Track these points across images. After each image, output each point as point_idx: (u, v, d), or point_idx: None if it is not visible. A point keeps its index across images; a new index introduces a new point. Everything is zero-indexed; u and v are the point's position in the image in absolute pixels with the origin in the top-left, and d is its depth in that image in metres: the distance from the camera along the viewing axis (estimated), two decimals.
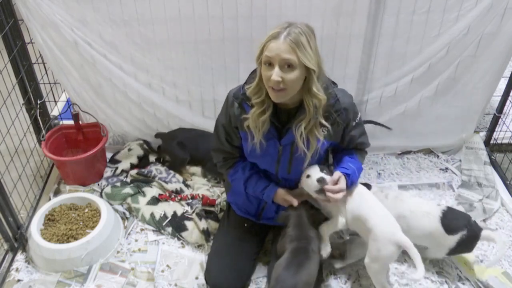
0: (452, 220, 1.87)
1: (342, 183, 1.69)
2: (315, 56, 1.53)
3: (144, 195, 2.32)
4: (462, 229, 1.85)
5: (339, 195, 1.67)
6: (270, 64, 1.52)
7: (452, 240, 1.86)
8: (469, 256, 2.03)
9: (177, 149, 2.45)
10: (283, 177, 1.84)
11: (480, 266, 2.01)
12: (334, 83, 1.75)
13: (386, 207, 1.82)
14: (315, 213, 1.84)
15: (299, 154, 1.70)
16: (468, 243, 1.87)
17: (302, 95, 1.61)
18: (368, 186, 1.99)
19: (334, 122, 1.69)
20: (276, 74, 1.49)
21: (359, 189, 1.81)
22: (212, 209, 2.25)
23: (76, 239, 2.04)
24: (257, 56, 1.56)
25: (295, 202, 1.78)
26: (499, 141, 2.68)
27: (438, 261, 2.02)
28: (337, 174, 1.71)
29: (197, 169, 2.52)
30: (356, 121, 1.77)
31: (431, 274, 1.97)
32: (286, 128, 1.69)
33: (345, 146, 1.83)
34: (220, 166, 1.91)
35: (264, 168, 1.85)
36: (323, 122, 1.65)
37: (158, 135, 2.59)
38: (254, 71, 1.69)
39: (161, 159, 2.60)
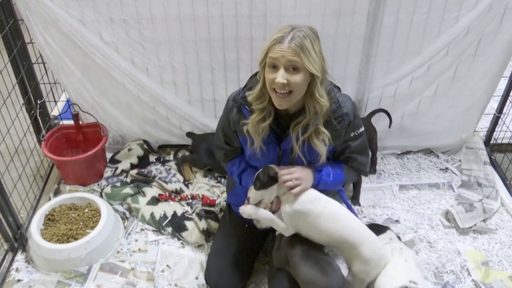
0: None
1: (297, 173, 1.62)
2: (319, 60, 1.50)
3: (144, 195, 2.32)
4: None
5: (295, 185, 1.60)
6: (275, 67, 1.49)
7: None
8: (480, 254, 2.05)
9: (203, 153, 2.45)
10: None
11: (488, 267, 2.00)
12: (338, 88, 1.70)
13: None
14: None
15: (298, 157, 1.66)
16: None
17: (304, 99, 1.57)
18: (384, 228, 1.89)
19: (334, 128, 1.64)
20: (281, 76, 1.47)
21: (338, 211, 1.68)
22: (212, 209, 2.25)
23: (76, 239, 2.04)
24: (260, 60, 1.53)
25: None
26: (499, 141, 2.67)
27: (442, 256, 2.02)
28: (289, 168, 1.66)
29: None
30: (356, 133, 1.70)
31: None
32: (286, 133, 1.66)
33: (338, 153, 1.76)
34: (222, 161, 1.92)
35: None
36: (322, 128, 1.59)
37: (189, 135, 2.60)
38: (253, 76, 1.66)
39: (161, 159, 2.60)
